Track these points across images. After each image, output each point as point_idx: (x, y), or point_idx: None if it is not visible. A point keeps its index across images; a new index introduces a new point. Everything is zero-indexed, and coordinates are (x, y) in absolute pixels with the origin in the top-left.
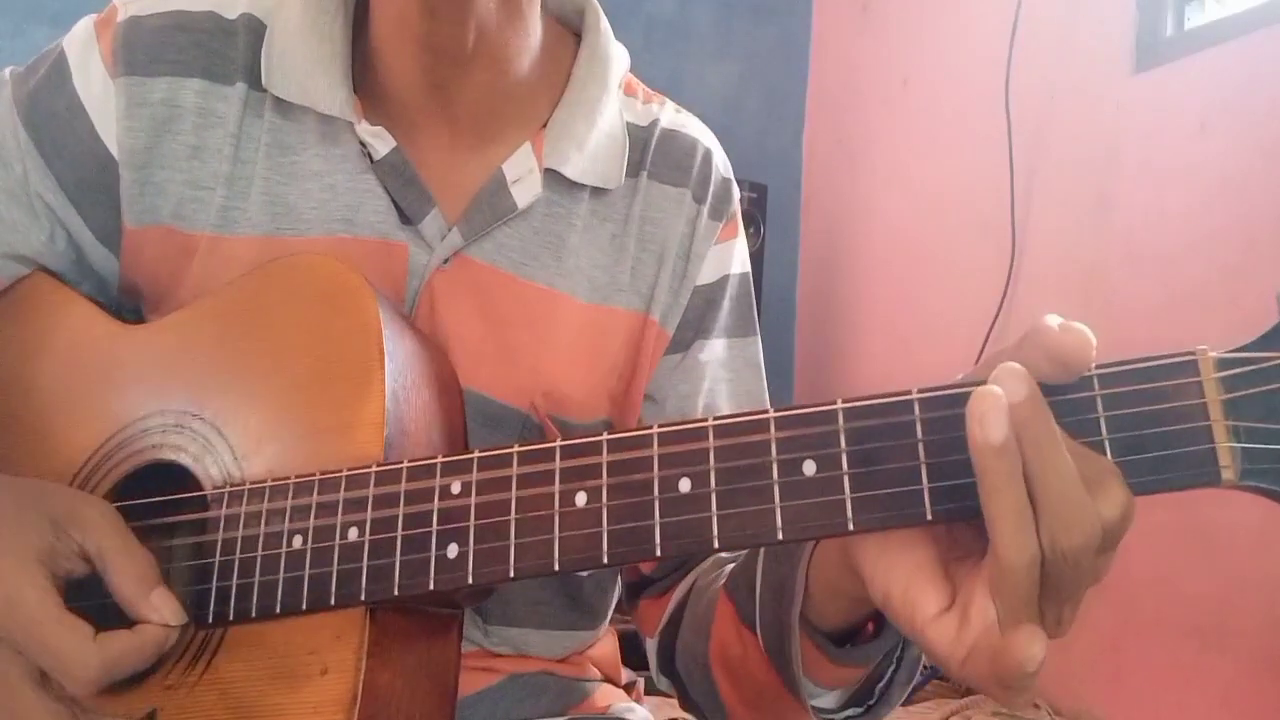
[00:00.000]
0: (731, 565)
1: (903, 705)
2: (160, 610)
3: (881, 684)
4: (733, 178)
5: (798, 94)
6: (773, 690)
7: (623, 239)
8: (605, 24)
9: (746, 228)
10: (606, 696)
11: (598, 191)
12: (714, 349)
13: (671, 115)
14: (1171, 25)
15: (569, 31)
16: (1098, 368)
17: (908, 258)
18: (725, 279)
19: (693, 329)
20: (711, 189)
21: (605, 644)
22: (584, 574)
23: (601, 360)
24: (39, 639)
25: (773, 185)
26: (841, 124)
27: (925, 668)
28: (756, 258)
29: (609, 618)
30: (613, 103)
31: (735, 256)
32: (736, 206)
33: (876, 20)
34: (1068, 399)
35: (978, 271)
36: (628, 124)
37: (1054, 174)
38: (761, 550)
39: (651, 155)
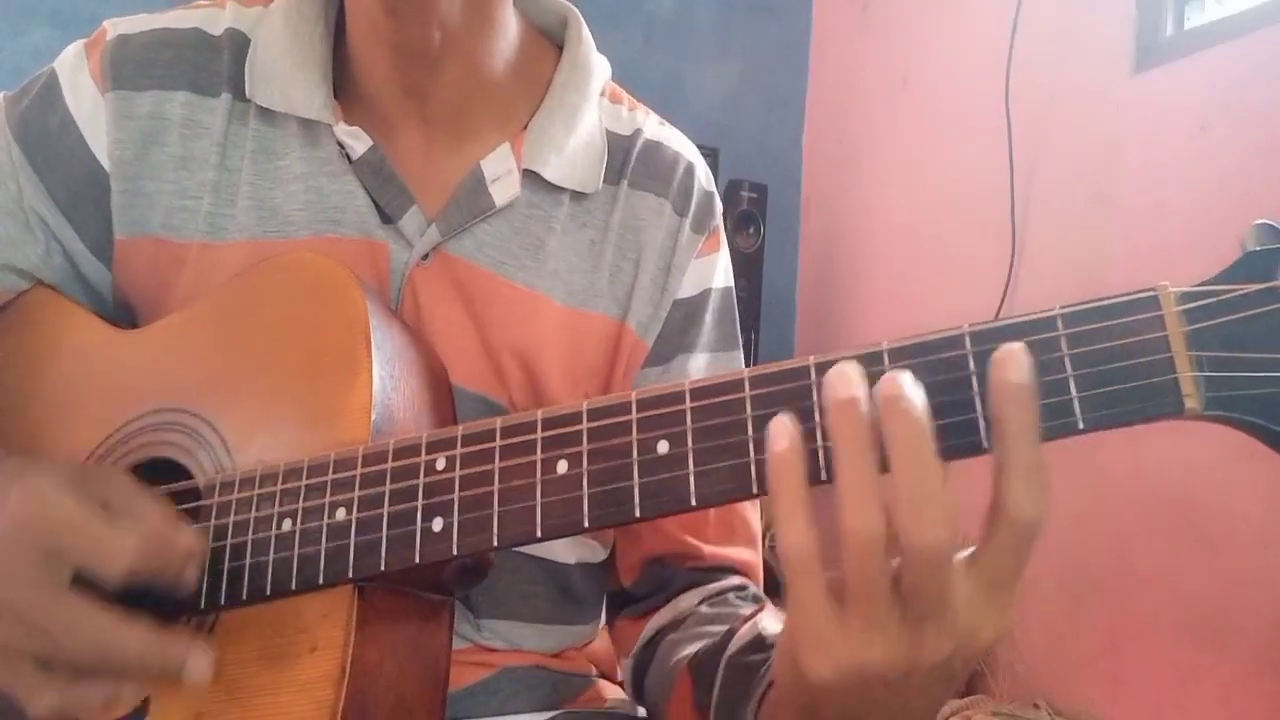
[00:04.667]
0: (698, 645)
1: None
2: (187, 536)
3: None
4: (715, 192)
5: (798, 94)
6: None
7: (601, 245)
8: (587, 34)
9: (746, 228)
10: (603, 692)
11: (577, 196)
12: (697, 363)
13: (655, 127)
14: (1171, 25)
15: (551, 43)
16: (1061, 308)
17: (908, 257)
18: (707, 293)
19: (673, 343)
20: (694, 202)
21: (603, 640)
22: (571, 564)
23: (579, 364)
24: (73, 526)
25: (773, 185)
26: (841, 124)
27: None
28: (756, 258)
29: (603, 614)
30: (592, 111)
31: (718, 270)
32: (719, 221)
33: (876, 20)
34: (1033, 340)
35: (978, 271)
36: (608, 131)
37: (1054, 174)
38: (725, 658)
39: (633, 165)
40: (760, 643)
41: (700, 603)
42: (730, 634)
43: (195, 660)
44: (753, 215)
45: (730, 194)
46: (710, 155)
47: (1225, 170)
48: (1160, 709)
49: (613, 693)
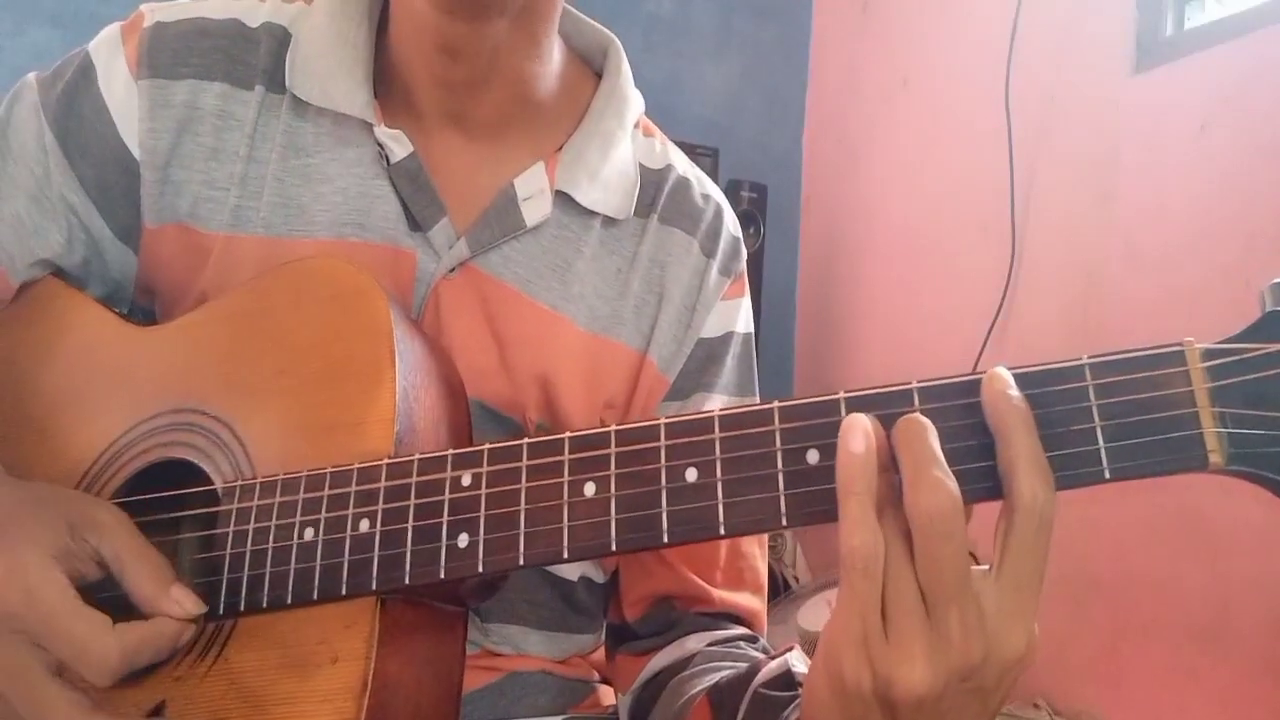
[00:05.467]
0: (717, 676)
1: None
2: (181, 603)
3: None
4: (742, 239)
5: (798, 94)
6: None
7: (628, 275)
8: (626, 66)
9: (746, 228)
10: (608, 697)
11: (608, 223)
12: (714, 404)
13: (686, 165)
14: (1171, 25)
15: (591, 70)
16: (1089, 358)
17: (908, 258)
18: (730, 336)
19: (694, 380)
20: (722, 245)
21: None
22: (575, 579)
23: (598, 390)
24: (59, 629)
25: (773, 185)
26: (841, 124)
27: None
28: (756, 258)
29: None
30: (627, 140)
31: (740, 315)
32: (744, 267)
33: (876, 20)
34: (1061, 389)
35: (978, 271)
36: (640, 164)
37: (1054, 174)
38: (752, 688)
39: (664, 200)
40: (789, 679)
41: (708, 645)
42: (755, 668)
43: None
44: (753, 215)
45: (730, 194)
46: (710, 155)
47: (1225, 170)
48: (1160, 710)
49: (613, 698)
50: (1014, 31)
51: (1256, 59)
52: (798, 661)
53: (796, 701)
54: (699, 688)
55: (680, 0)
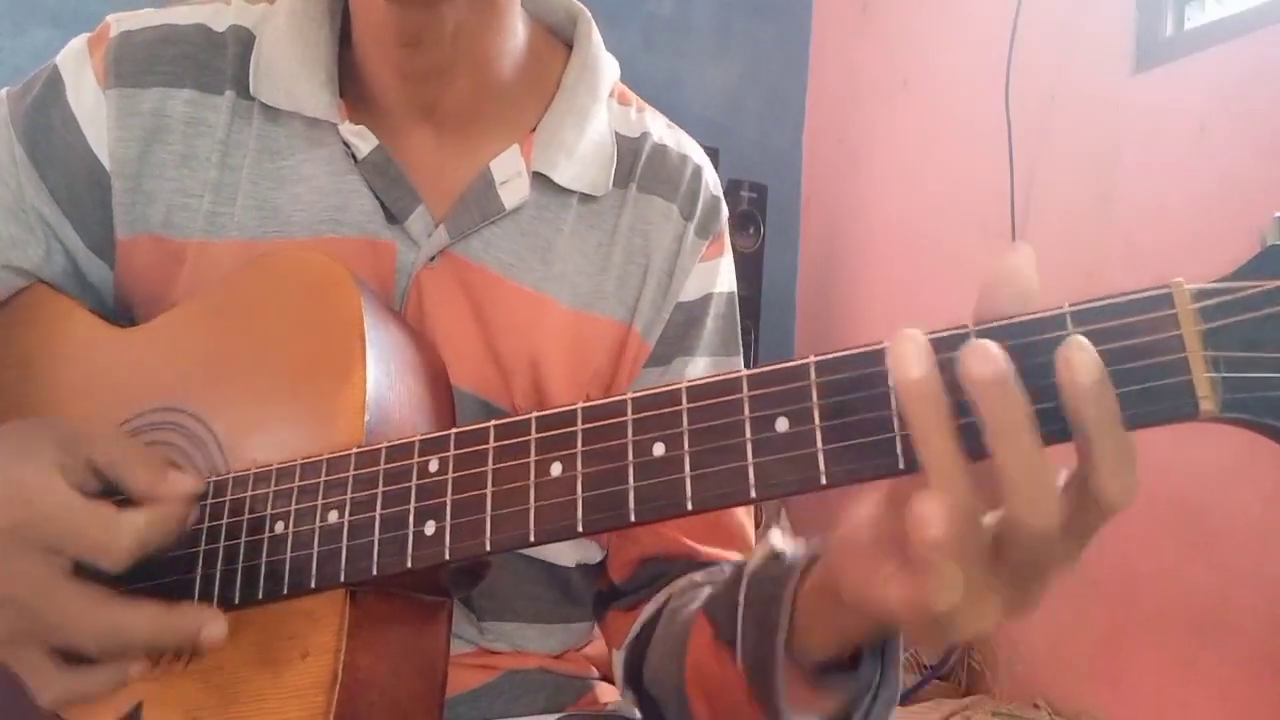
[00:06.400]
0: (709, 589)
1: (902, 705)
2: (181, 483)
3: (859, 714)
4: (722, 196)
5: (798, 94)
6: (750, 713)
7: (609, 248)
8: (597, 34)
9: (746, 228)
10: (605, 694)
11: (585, 199)
12: (697, 367)
13: (662, 130)
14: (1171, 25)
15: (560, 41)
16: (1071, 306)
17: (908, 258)
18: (709, 297)
19: (674, 345)
20: (700, 206)
21: (602, 642)
22: (571, 566)
23: (584, 368)
24: (69, 526)
25: (773, 185)
26: (841, 124)
27: (925, 667)
28: (756, 258)
29: None
30: (602, 112)
31: (721, 275)
32: (724, 225)
33: (876, 20)
34: (1041, 339)
35: (977, 271)
36: (616, 134)
37: (1054, 174)
38: (745, 577)
39: (641, 168)
40: (777, 557)
41: (694, 576)
42: (740, 565)
43: (209, 627)
44: (753, 215)
45: (730, 194)
46: (710, 155)
47: (1225, 170)
48: (1160, 707)
49: (610, 695)
50: (1014, 31)
51: (1256, 59)
52: (778, 539)
53: (793, 565)
54: (693, 605)
55: (680, 0)
